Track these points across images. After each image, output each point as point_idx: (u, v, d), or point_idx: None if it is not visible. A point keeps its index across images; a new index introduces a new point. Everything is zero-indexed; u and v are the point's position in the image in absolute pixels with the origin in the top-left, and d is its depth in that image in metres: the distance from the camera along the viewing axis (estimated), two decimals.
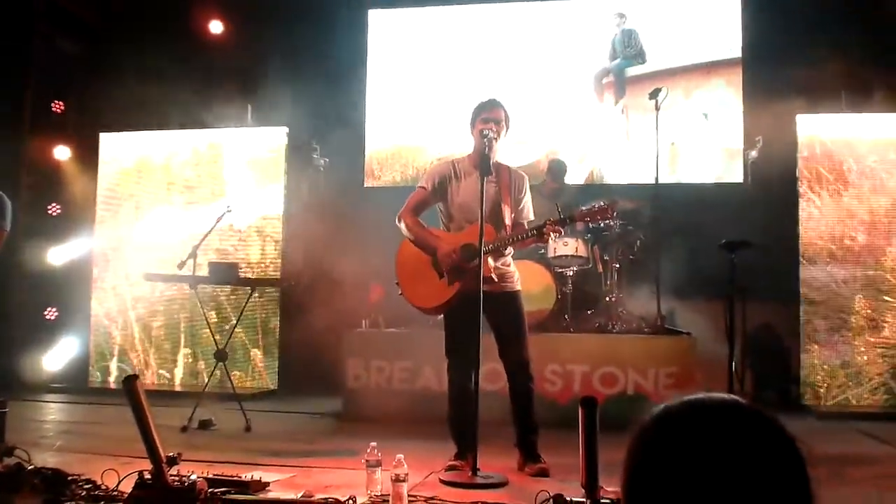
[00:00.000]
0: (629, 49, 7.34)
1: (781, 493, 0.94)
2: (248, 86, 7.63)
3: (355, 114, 7.63)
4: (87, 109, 8.01)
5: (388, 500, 3.02)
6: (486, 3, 7.67)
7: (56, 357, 7.65)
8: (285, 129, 7.42)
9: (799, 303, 6.40)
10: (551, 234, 3.80)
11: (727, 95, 7.08)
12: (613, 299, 5.98)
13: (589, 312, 6.09)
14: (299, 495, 3.07)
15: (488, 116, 3.92)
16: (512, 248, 3.99)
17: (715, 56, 7.13)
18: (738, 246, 4.85)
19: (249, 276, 6.83)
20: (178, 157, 7.66)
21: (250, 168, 7.48)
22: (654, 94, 6.24)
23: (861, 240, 6.37)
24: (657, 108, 6.18)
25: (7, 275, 7.22)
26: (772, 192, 6.62)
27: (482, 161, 3.77)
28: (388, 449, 3.25)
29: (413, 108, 7.59)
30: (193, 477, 2.81)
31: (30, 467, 3.24)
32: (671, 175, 6.89)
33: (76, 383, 7.41)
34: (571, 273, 5.88)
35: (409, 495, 3.06)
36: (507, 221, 3.95)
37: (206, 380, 5.75)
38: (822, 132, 6.50)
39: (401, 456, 3.04)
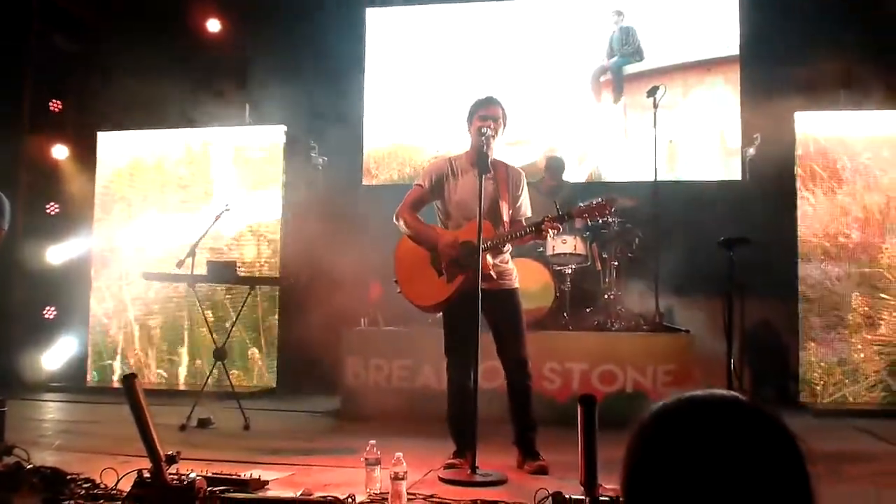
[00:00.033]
0: (627, 47, 7.34)
1: (782, 490, 0.93)
2: (246, 84, 7.63)
3: (353, 112, 7.62)
4: (85, 108, 8.00)
5: (387, 499, 3.02)
6: (483, 1, 7.66)
7: (55, 356, 7.65)
8: (283, 128, 7.42)
9: (797, 300, 6.41)
10: (549, 230, 3.79)
11: (725, 93, 7.08)
12: (612, 297, 5.99)
13: (587, 310, 6.09)
14: (298, 493, 3.06)
15: (486, 114, 3.91)
16: (510, 246, 3.98)
17: (713, 53, 7.13)
18: (736, 243, 4.84)
19: (246, 274, 6.82)
20: (175, 156, 7.65)
21: (248, 166, 7.48)
22: (652, 92, 6.24)
23: (855, 237, 6.39)
24: (655, 106, 6.19)
25: (6, 274, 7.22)
26: (770, 189, 6.62)
27: (480, 158, 3.75)
28: (387, 447, 3.25)
29: (411, 107, 7.58)
30: (192, 475, 2.81)
31: (29, 466, 3.23)
32: (669, 172, 6.88)
33: (75, 382, 7.41)
34: (570, 271, 5.89)
35: (408, 493, 3.06)
36: (505, 218, 3.94)
37: (205, 378, 5.74)
38: (817, 130, 6.51)
39: (400, 454, 3.04)
